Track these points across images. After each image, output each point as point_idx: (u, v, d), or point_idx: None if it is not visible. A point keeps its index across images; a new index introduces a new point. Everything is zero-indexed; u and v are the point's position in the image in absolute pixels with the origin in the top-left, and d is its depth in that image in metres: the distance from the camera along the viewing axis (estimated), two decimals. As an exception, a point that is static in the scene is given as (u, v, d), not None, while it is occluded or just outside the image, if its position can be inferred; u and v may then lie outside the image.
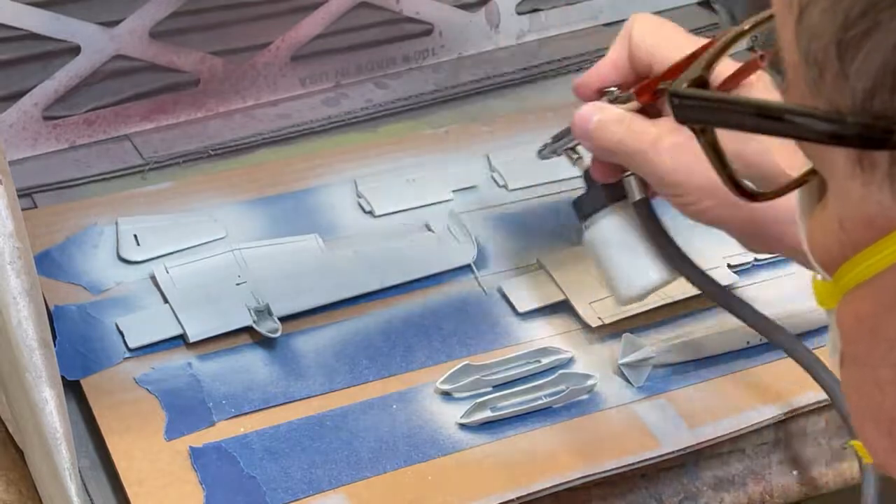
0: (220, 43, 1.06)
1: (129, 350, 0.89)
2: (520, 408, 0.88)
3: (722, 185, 0.79)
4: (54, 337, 0.85)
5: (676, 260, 0.85)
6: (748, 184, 0.51)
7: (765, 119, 0.45)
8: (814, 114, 0.44)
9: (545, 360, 0.92)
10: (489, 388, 0.90)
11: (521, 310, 0.95)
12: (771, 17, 0.49)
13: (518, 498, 0.84)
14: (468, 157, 1.06)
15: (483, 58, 1.15)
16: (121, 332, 0.90)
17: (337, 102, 1.10)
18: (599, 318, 0.94)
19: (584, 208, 0.88)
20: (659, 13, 1.19)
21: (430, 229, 1.00)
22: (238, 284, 0.93)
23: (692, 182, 0.80)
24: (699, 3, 1.22)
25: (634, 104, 0.84)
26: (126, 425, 0.85)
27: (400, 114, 1.10)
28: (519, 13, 1.16)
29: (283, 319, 0.92)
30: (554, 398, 0.89)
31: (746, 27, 0.55)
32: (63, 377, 0.82)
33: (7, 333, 0.78)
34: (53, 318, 0.89)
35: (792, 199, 0.78)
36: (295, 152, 1.06)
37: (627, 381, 0.91)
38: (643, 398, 0.91)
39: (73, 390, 0.87)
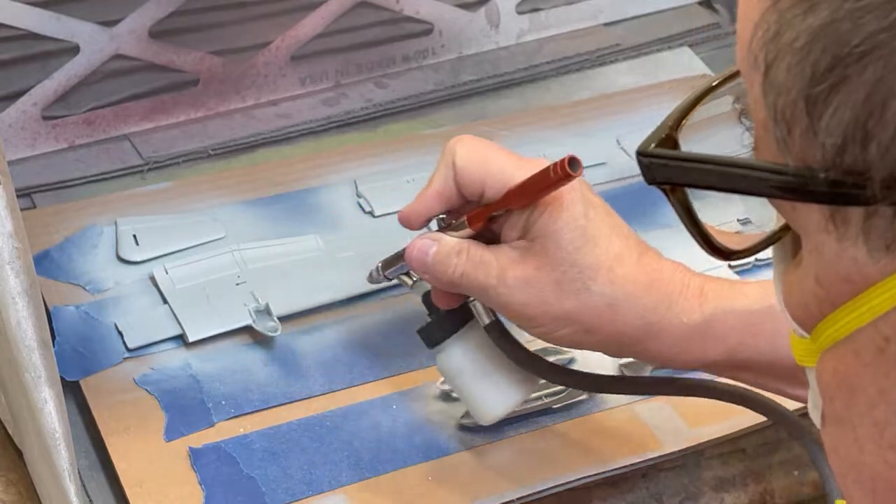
0: (220, 43, 1.06)
1: (129, 350, 0.89)
2: (520, 408, 0.88)
3: (578, 313, 0.78)
4: (53, 337, 0.85)
5: (540, 371, 0.83)
6: (722, 243, 0.49)
7: (735, 177, 0.44)
8: (784, 171, 0.43)
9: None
10: (489, 389, 0.90)
11: (521, 310, 0.95)
12: (738, 72, 0.48)
13: (518, 498, 0.84)
14: (468, 157, 1.05)
15: (483, 58, 1.15)
16: (120, 333, 0.90)
17: (337, 102, 1.10)
18: (600, 318, 0.94)
19: (432, 337, 0.84)
20: (659, 13, 1.20)
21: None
22: (238, 284, 0.93)
23: (547, 314, 0.77)
24: (699, 3, 1.21)
25: (468, 231, 0.80)
26: (125, 426, 0.85)
27: (400, 114, 1.10)
28: (519, 13, 1.16)
29: (282, 319, 0.92)
30: (554, 398, 0.89)
31: (714, 84, 0.52)
32: (62, 377, 0.82)
33: (6, 333, 0.78)
34: (52, 319, 0.89)
35: (647, 317, 0.77)
36: (295, 152, 1.06)
37: (628, 381, 0.91)
38: (643, 398, 0.90)
39: (72, 391, 0.87)
